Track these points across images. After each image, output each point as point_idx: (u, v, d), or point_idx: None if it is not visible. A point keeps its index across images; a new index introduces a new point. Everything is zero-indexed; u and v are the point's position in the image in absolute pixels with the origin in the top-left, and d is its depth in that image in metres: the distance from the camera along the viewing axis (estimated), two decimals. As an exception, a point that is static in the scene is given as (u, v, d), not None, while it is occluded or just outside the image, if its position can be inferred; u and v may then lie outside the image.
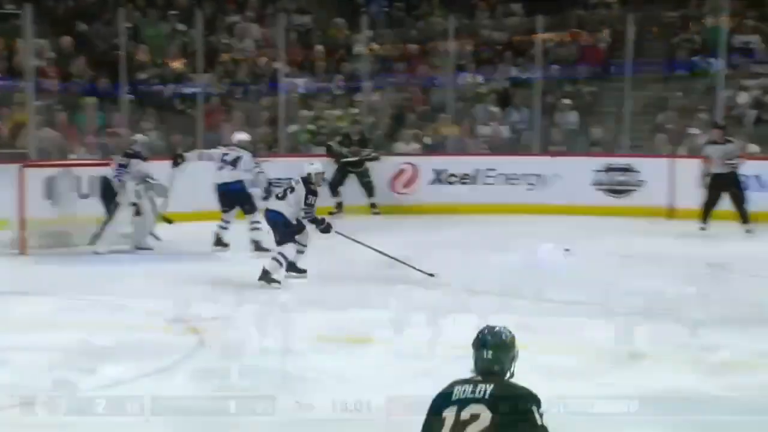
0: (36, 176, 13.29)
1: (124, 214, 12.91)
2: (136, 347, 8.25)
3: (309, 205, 10.77)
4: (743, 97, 16.76)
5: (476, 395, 3.73)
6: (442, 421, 3.74)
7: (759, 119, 16.48)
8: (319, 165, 11.27)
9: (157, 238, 13.20)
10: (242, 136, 13.41)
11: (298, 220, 10.87)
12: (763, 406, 6.70)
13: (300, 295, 10.28)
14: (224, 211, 12.95)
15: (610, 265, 11.91)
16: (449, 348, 8.11)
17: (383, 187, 16.76)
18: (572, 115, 17.65)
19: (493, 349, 3.93)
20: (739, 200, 14.21)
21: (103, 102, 16.42)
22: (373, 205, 16.61)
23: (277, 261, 10.74)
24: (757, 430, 6.32)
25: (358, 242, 11.26)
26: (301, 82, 17.99)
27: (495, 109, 17.96)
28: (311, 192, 10.80)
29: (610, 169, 16.44)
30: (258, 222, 12.47)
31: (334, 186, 16.30)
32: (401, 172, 16.90)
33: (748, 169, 14.70)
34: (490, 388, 3.75)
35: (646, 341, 7.79)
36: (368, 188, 16.61)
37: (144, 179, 12.95)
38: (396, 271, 11.23)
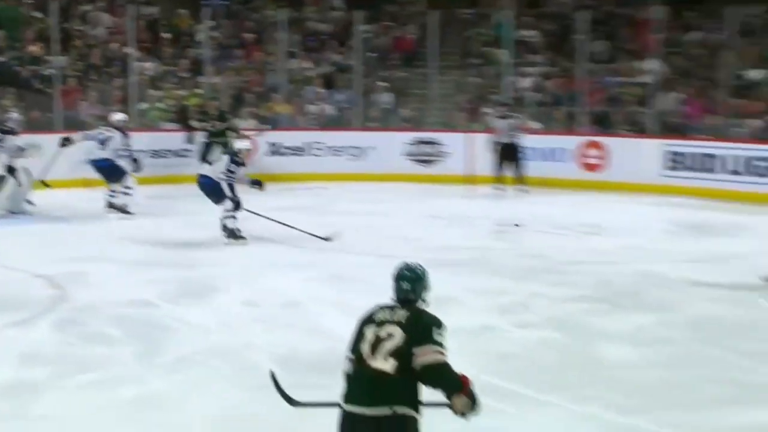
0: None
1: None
2: (1, 300, 8.02)
3: (230, 172, 10.91)
4: (525, 82, 17.24)
5: (393, 319, 3.86)
6: (362, 336, 3.87)
7: (539, 101, 17.00)
8: (247, 143, 11.58)
9: (31, 203, 12.74)
10: (118, 116, 13.08)
11: (230, 185, 10.93)
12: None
13: (156, 254, 10.13)
14: (110, 182, 12.66)
15: (420, 224, 12.14)
16: (278, 295, 8.24)
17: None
18: (387, 96, 17.83)
19: (409, 281, 4.05)
20: (518, 166, 14.97)
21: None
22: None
23: (232, 218, 10.77)
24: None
25: (260, 215, 11.23)
26: (150, 66, 17.61)
27: (321, 90, 18.00)
28: (236, 163, 10.98)
29: (418, 142, 16.71)
30: (129, 188, 12.56)
31: (203, 157, 16.13)
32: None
33: (528, 141, 15.35)
34: (404, 313, 3.88)
35: (452, 287, 7.94)
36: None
37: (18, 150, 12.60)
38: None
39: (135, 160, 12.83)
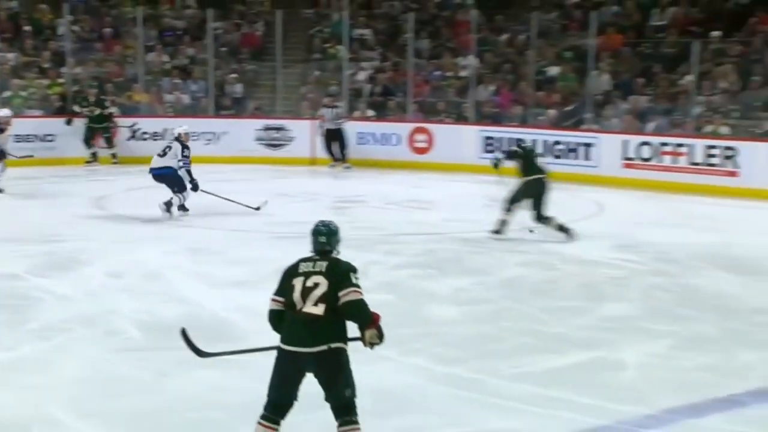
0: None
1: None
2: None
3: (185, 157, 10.69)
4: (361, 75, 17.34)
5: (316, 269, 4.09)
6: (292, 287, 4.07)
7: (373, 92, 17.15)
8: (186, 127, 11.16)
9: None
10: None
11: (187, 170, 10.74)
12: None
13: (23, 231, 9.73)
14: None
15: (270, 201, 12.07)
16: (140, 267, 8.08)
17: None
18: (238, 86, 17.58)
19: (326, 235, 4.24)
20: (342, 148, 15.61)
21: None
22: (113, 156, 15.92)
23: (180, 198, 10.73)
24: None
25: (215, 195, 11.07)
26: (12, 57, 16.78)
27: (178, 81, 17.59)
28: (185, 146, 10.73)
29: (267, 128, 16.58)
30: None
31: (87, 141, 15.56)
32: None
33: (365, 127, 15.76)
34: (325, 264, 4.11)
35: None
36: (109, 141, 15.93)
37: None
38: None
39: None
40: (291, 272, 4.14)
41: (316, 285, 4.04)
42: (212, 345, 4.89)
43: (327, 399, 4.10)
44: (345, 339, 4.08)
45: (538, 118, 15.50)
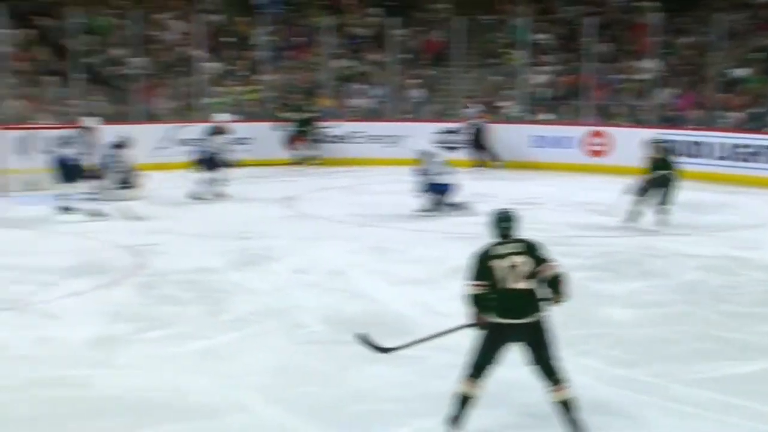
0: (10, 137, 12.91)
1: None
2: (92, 266, 8.15)
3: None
4: (539, 79, 17.09)
5: (513, 250, 4.45)
6: (491, 269, 4.40)
7: (551, 95, 16.85)
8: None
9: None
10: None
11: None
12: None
13: (219, 229, 10.21)
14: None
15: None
16: (324, 264, 8.28)
17: (277, 146, 16.63)
18: (418, 91, 17.75)
19: (510, 220, 4.57)
20: (484, 149, 15.83)
21: (60, 80, 15.82)
22: (315, 158, 16.46)
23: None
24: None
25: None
26: (214, 66, 17.66)
27: (361, 86, 17.97)
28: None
29: (445, 132, 16.65)
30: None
31: (289, 143, 16.29)
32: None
33: (540, 131, 15.54)
34: (519, 244, 4.48)
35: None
36: (310, 144, 16.49)
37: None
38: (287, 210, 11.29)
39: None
40: (485, 257, 4.45)
41: (518, 264, 4.40)
42: (393, 341, 4.96)
43: (536, 363, 4.43)
44: (545, 308, 4.45)
45: (720, 120, 14.73)
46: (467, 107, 16.28)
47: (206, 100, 16.94)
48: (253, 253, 8.76)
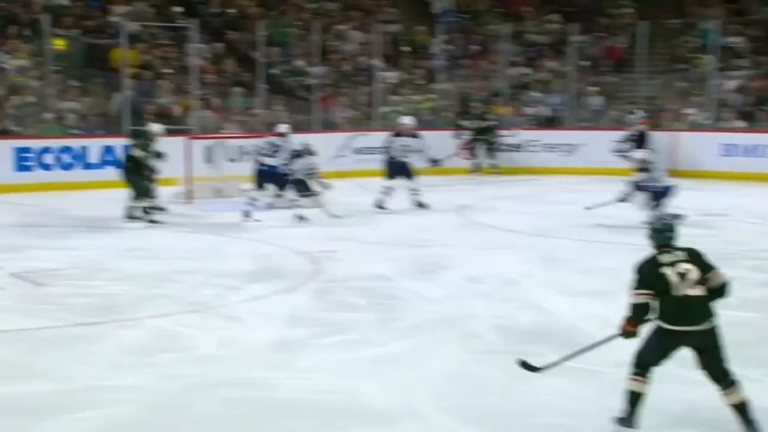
0: (198, 146, 13.61)
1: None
2: (272, 272, 8.50)
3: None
4: (730, 85, 16.31)
5: (679, 258, 4.57)
6: (662, 277, 4.51)
7: (743, 102, 16.06)
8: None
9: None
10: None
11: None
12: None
13: (393, 236, 10.39)
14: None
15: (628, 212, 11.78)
16: (497, 273, 8.26)
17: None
18: (597, 98, 17.39)
19: (672, 230, 4.70)
20: None
21: (246, 91, 16.61)
22: (494, 166, 16.56)
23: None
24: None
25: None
26: (391, 75, 18.00)
27: (538, 94, 17.79)
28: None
29: (626, 140, 16.18)
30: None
31: (471, 151, 16.50)
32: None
33: (732, 139, 14.90)
34: (683, 253, 4.60)
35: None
36: (491, 153, 16.59)
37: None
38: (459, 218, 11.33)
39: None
40: (652, 266, 4.55)
41: (687, 271, 4.51)
42: (565, 352, 4.88)
43: (706, 368, 4.53)
44: (716, 314, 4.54)
45: None
46: (632, 113, 15.77)
47: (383, 109, 17.29)
48: (426, 261, 8.86)
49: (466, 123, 16.71)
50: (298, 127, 16.24)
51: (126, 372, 5.63)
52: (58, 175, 14.06)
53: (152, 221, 11.00)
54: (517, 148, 16.80)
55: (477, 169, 16.53)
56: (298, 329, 6.57)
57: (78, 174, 14.24)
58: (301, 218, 11.03)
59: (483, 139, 16.53)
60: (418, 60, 18.55)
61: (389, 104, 17.53)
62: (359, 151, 15.99)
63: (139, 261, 8.88)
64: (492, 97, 17.84)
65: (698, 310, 4.50)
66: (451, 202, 12.79)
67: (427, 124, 17.14)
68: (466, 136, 16.57)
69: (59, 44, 15.77)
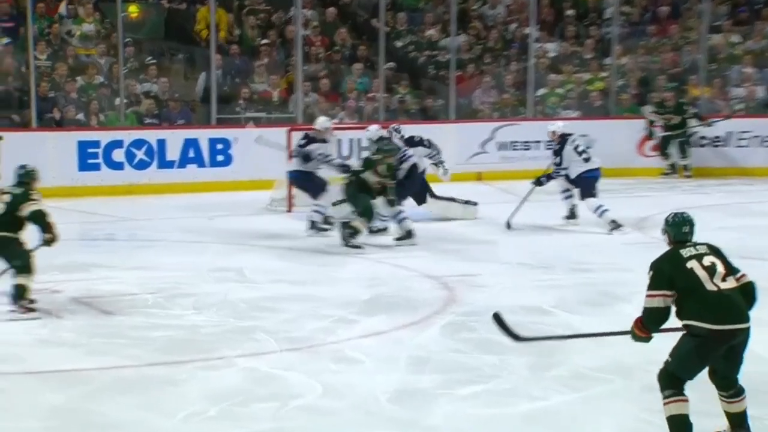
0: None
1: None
2: (396, 300, 8.63)
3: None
4: None
5: (701, 251, 5.18)
6: (689, 272, 5.09)
7: None
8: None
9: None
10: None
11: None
12: None
13: (549, 257, 10.35)
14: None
15: None
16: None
17: (631, 151, 16.52)
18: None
19: (690, 225, 5.33)
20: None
21: (363, 68, 16.82)
22: (685, 167, 16.44)
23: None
24: None
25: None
26: (551, 47, 17.87)
27: (750, 69, 17.31)
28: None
29: None
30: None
31: (664, 150, 16.43)
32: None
33: None
34: (703, 246, 5.23)
35: None
36: (683, 150, 16.41)
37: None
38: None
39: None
40: (674, 262, 5.16)
41: (713, 263, 5.10)
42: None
43: (723, 373, 5.16)
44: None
45: None
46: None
47: (539, 92, 17.20)
48: (594, 290, 8.82)
49: (653, 110, 16.39)
50: (428, 116, 16.47)
51: (211, 426, 5.82)
52: (129, 175, 14.65)
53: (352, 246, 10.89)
54: (717, 141, 16.43)
55: (672, 171, 16.30)
56: (428, 375, 6.64)
57: (154, 174, 14.78)
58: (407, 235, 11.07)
59: (678, 132, 16.18)
60: (585, 27, 18.35)
61: (547, 86, 17.43)
62: (506, 146, 16.02)
63: (229, 285, 9.16)
64: (685, 75, 17.50)
65: (738, 304, 5.06)
66: (628, 213, 12.63)
67: (596, 111, 17.01)
68: (658, 132, 16.26)
69: (133, 11, 16.45)
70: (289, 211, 13.05)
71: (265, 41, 16.64)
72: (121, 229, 11.97)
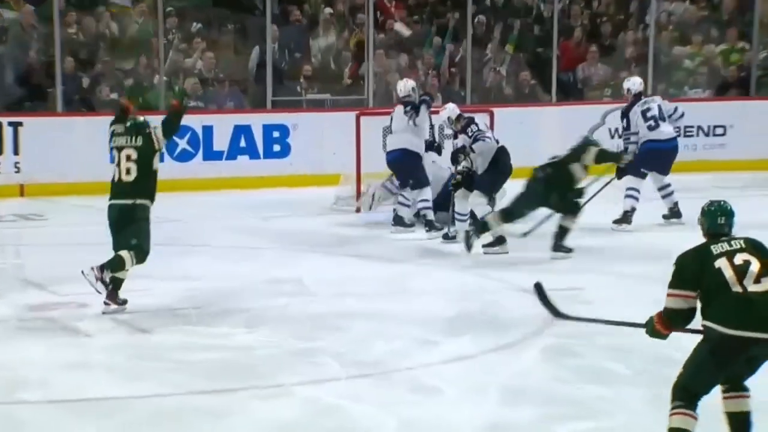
0: (373, 124, 13.97)
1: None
2: (484, 319, 8.68)
3: None
4: None
5: (734, 247, 5.31)
6: (717, 271, 5.23)
7: None
8: None
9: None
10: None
11: None
12: None
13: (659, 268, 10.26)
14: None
15: None
16: None
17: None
18: None
19: (726, 215, 5.52)
20: None
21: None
22: None
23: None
24: None
25: None
26: (682, 10, 17.65)
27: None
28: None
29: None
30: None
31: None
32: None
33: None
34: (739, 240, 5.36)
35: None
36: None
37: None
38: None
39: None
40: (701, 258, 5.32)
41: (747, 262, 5.23)
42: None
43: (737, 378, 5.36)
44: None
45: None
46: None
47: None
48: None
49: None
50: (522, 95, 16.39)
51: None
52: (170, 168, 14.70)
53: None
54: None
55: None
56: (524, 408, 6.63)
57: (199, 167, 14.93)
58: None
59: None
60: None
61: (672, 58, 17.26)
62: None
63: (286, 299, 9.25)
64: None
65: (763, 310, 5.14)
66: (755, 217, 12.50)
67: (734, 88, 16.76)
68: None
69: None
70: (358, 210, 13.12)
71: (329, 11, 16.68)
72: (160, 232, 12.09)
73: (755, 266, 5.22)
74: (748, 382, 5.44)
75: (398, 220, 12.06)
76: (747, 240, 5.38)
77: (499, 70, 17.00)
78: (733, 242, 5.35)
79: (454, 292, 9.50)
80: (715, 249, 5.31)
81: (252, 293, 9.42)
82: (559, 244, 10.87)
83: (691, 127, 16.18)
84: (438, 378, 7.22)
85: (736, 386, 5.42)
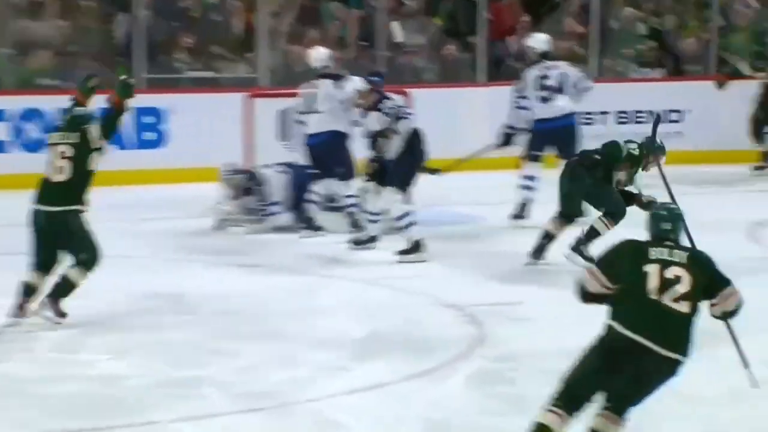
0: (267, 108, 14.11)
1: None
2: (401, 339, 8.70)
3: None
4: None
5: (674, 258, 5.66)
6: (643, 274, 5.62)
7: None
8: None
9: None
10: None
11: None
12: None
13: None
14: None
15: None
16: None
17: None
18: None
19: (670, 221, 5.89)
20: None
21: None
22: None
23: None
24: None
25: None
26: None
27: None
28: None
29: None
30: None
31: (755, 130, 16.67)
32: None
33: None
34: (683, 254, 5.70)
35: None
36: None
37: None
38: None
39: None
40: (637, 254, 5.73)
41: (677, 278, 5.59)
42: None
43: (624, 390, 5.71)
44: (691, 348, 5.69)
45: None
46: None
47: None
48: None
49: (751, 71, 16.48)
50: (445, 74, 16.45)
51: None
52: (17, 160, 14.75)
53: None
54: None
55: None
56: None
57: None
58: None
59: None
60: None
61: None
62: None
63: (163, 317, 9.26)
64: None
65: (671, 328, 5.56)
66: (736, 216, 12.67)
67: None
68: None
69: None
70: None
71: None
72: (5, 238, 11.97)
73: (683, 287, 5.58)
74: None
75: (307, 221, 12.02)
76: (692, 256, 5.74)
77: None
78: (675, 253, 5.70)
79: (365, 309, 9.51)
80: (653, 253, 5.69)
81: (119, 311, 9.35)
82: (582, 249, 10.53)
83: (642, 112, 16.40)
84: (346, 411, 7.22)
85: (618, 409, 5.77)
